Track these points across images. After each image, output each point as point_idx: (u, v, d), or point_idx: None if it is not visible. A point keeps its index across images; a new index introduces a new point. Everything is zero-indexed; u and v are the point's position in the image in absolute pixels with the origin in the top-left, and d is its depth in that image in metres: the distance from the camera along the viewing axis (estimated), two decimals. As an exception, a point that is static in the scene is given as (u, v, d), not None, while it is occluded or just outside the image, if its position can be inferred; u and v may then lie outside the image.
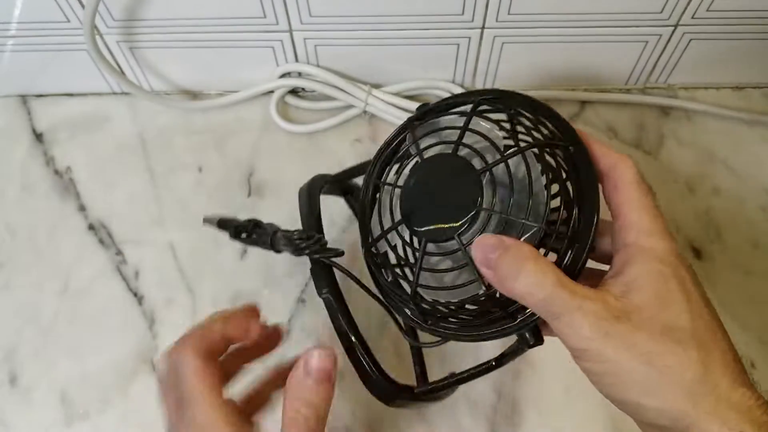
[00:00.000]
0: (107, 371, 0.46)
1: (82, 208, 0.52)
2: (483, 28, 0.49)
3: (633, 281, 0.28)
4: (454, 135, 0.32)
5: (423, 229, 0.31)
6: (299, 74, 0.55)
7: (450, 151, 0.31)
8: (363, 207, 0.35)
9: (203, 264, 0.50)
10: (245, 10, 0.48)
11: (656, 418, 0.27)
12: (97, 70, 0.54)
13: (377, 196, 0.35)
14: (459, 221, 0.30)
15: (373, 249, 0.34)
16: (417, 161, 0.33)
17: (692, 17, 0.48)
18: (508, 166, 0.30)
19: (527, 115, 0.32)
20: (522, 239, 0.29)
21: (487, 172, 0.30)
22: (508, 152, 0.30)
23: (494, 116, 0.33)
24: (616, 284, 0.28)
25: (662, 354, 0.26)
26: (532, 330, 0.30)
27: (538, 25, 0.49)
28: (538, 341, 0.30)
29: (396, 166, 0.35)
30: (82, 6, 0.47)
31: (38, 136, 0.56)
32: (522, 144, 0.31)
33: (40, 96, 0.58)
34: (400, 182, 0.33)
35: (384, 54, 0.52)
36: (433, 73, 0.55)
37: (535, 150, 0.31)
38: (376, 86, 0.55)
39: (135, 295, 0.49)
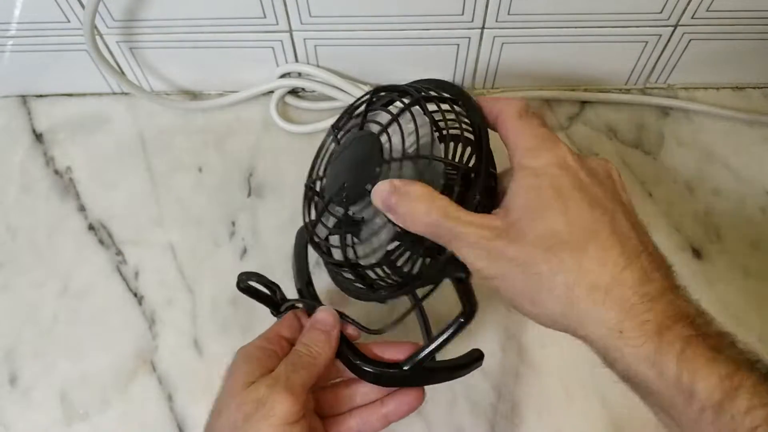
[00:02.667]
0: (107, 371, 0.46)
1: (82, 208, 0.52)
2: (483, 28, 0.49)
3: (510, 200, 0.30)
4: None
5: (343, 195, 0.36)
6: (299, 74, 0.55)
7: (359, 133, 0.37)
8: (303, 210, 0.40)
9: (203, 264, 0.50)
10: (245, 11, 0.48)
11: (551, 324, 0.29)
12: (97, 71, 0.54)
13: (310, 196, 0.40)
14: (369, 178, 0.34)
15: (315, 239, 0.38)
16: (333, 148, 0.39)
17: (692, 17, 0.48)
18: (399, 124, 0.34)
19: (431, 94, 0.36)
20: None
21: (385, 133, 0.35)
22: (396, 112, 0.35)
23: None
24: (501, 206, 0.31)
25: (534, 263, 0.28)
26: (452, 263, 0.32)
27: (538, 25, 0.49)
28: (461, 272, 0.33)
29: (322, 162, 0.40)
30: (82, 6, 0.47)
31: (38, 136, 0.56)
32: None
33: (40, 96, 0.58)
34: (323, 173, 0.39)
35: (384, 54, 0.52)
36: (433, 73, 0.54)
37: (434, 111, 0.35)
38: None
39: (135, 295, 0.49)
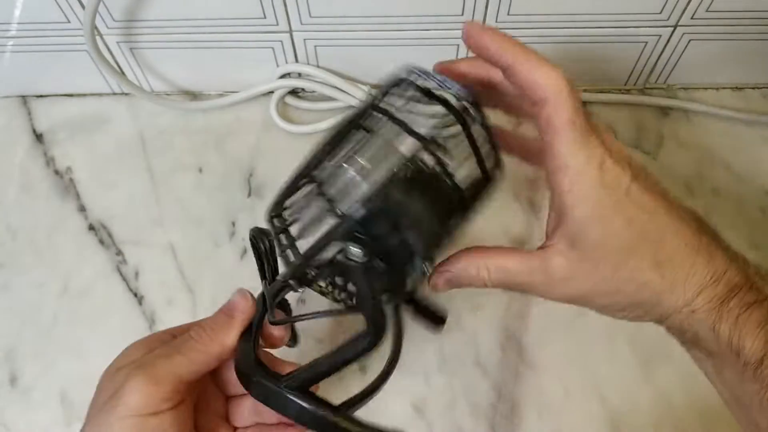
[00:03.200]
0: (107, 371, 0.46)
1: (82, 209, 0.52)
2: (483, 28, 0.49)
3: (575, 236, 0.30)
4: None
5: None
6: (299, 75, 0.55)
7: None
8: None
9: (203, 264, 0.50)
10: (245, 11, 0.48)
11: (617, 312, 0.31)
12: (98, 71, 0.54)
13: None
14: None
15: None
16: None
17: (692, 18, 0.48)
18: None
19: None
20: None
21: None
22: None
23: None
24: (560, 240, 0.30)
25: (620, 287, 0.29)
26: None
27: (538, 25, 0.49)
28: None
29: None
30: (83, 6, 0.47)
31: (38, 137, 0.56)
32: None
33: (41, 96, 0.58)
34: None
35: (384, 54, 0.52)
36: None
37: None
38: (376, 87, 0.55)
39: (135, 295, 0.49)
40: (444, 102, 0.30)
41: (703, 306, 0.29)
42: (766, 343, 0.28)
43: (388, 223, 0.29)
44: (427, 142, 0.28)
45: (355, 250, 0.28)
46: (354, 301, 0.31)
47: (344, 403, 0.30)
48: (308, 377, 0.30)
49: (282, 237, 0.32)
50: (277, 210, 0.32)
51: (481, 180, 0.32)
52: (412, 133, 0.28)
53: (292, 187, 0.32)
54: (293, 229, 0.32)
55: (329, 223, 0.29)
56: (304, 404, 0.29)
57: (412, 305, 0.36)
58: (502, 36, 0.29)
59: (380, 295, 0.29)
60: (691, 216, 0.30)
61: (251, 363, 0.31)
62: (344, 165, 0.30)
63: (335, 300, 0.32)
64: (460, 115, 0.30)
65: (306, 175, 0.32)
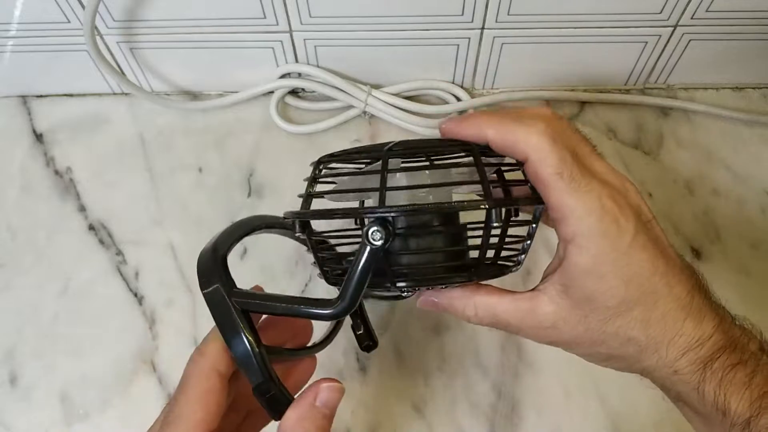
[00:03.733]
0: (107, 371, 0.46)
1: (82, 209, 0.52)
2: (483, 28, 0.49)
3: (569, 283, 0.30)
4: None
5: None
6: (299, 75, 0.55)
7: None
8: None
9: (203, 264, 0.50)
10: (245, 11, 0.48)
11: (602, 362, 0.32)
12: (98, 71, 0.54)
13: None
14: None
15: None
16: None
17: (692, 18, 0.48)
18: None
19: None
20: None
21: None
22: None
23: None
24: (554, 284, 0.30)
25: (605, 340, 0.30)
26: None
27: (538, 26, 0.49)
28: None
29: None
30: (83, 6, 0.47)
31: (38, 137, 0.56)
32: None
33: (41, 96, 0.58)
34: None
35: (384, 54, 0.52)
36: (433, 73, 0.55)
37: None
38: (376, 87, 0.55)
39: (135, 295, 0.49)
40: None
41: (686, 368, 0.29)
42: (751, 403, 0.28)
43: (414, 237, 0.32)
44: (492, 203, 0.29)
45: (377, 234, 0.29)
46: (337, 277, 0.33)
47: (272, 347, 0.31)
48: (257, 301, 0.31)
49: (314, 185, 0.33)
50: (327, 161, 0.33)
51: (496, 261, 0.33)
52: (486, 186, 0.29)
53: (353, 154, 0.33)
54: (326, 188, 0.33)
55: (369, 201, 0.32)
56: (238, 321, 0.30)
57: (359, 317, 0.38)
58: (475, 117, 0.31)
59: (367, 279, 0.30)
60: (688, 272, 0.30)
61: (217, 267, 0.32)
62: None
63: (321, 268, 0.33)
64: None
65: (373, 155, 0.33)
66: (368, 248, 0.29)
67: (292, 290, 0.48)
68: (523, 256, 0.33)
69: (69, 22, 0.49)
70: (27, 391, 0.46)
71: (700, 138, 0.54)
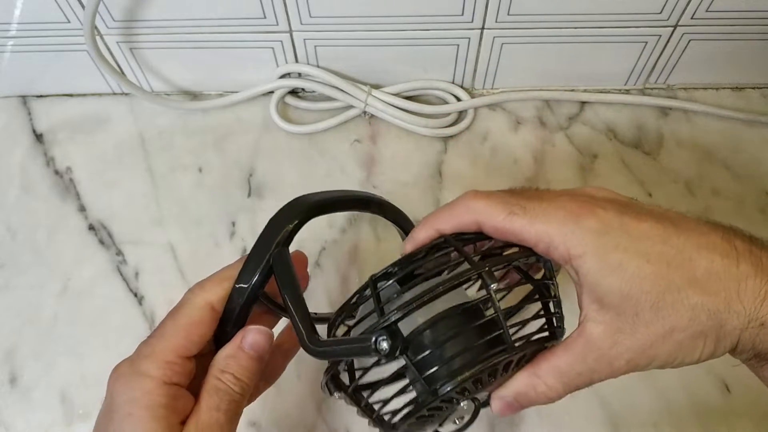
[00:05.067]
0: (107, 371, 0.46)
1: (82, 209, 0.52)
2: (483, 28, 0.49)
3: (600, 297, 0.28)
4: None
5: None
6: (299, 75, 0.55)
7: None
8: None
9: (203, 264, 0.49)
10: (245, 11, 0.48)
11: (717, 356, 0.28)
12: (97, 71, 0.54)
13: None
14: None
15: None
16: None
17: (692, 18, 0.48)
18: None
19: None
20: None
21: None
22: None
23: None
24: (593, 311, 0.29)
25: (670, 336, 0.27)
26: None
27: (538, 26, 0.49)
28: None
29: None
30: (83, 6, 0.47)
31: (38, 137, 0.56)
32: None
33: (41, 96, 0.58)
34: None
35: (384, 54, 0.52)
36: (433, 73, 0.55)
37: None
38: (376, 87, 0.55)
39: (135, 295, 0.49)
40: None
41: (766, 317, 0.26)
42: None
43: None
44: (476, 266, 0.28)
45: (384, 344, 0.28)
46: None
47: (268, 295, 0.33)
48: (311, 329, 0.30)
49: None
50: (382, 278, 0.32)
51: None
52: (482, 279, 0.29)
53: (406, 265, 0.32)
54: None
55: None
56: (264, 262, 0.32)
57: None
58: (420, 225, 0.32)
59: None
60: (710, 224, 0.29)
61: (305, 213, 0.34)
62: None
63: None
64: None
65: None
66: (370, 353, 0.28)
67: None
68: (556, 318, 0.31)
69: (69, 22, 0.49)
70: (27, 391, 0.46)
71: (700, 138, 0.54)
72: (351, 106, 0.55)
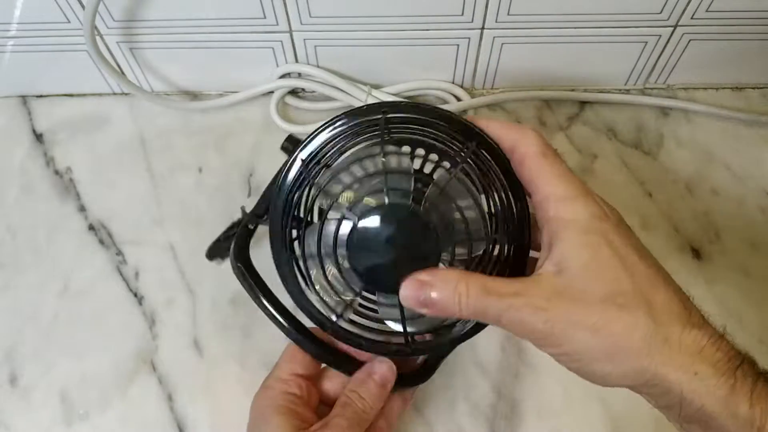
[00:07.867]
0: (107, 371, 0.46)
1: (82, 209, 0.52)
2: (483, 28, 0.49)
3: (563, 259, 0.28)
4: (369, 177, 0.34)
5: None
6: (299, 75, 0.55)
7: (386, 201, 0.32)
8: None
9: (203, 264, 0.50)
10: (245, 11, 0.48)
11: (620, 381, 0.28)
12: (97, 71, 0.54)
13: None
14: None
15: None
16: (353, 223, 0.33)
17: (691, 18, 0.48)
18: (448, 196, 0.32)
19: (422, 128, 0.34)
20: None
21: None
22: (443, 185, 0.32)
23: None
24: (548, 265, 0.29)
25: (608, 323, 0.27)
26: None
27: (538, 26, 0.49)
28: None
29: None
30: (83, 7, 0.47)
31: (38, 137, 0.56)
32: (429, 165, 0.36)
33: (40, 96, 0.58)
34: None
35: (384, 54, 0.52)
36: (432, 73, 0.55)
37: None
38: (376, 87, 0.55)
39: (135, 295, 0.49)
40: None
41: (708, 371, 0.26)
42: None
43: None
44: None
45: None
46: None
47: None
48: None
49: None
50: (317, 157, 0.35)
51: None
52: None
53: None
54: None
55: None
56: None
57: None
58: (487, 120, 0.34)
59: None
60: (669, 277, 0.29)
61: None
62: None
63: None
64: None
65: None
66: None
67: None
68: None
69: (69, 22, 0.49)
70: (27, 391, 0.46)
71: (700, 138, 0.54)
72: (351, 107, 0.55)
